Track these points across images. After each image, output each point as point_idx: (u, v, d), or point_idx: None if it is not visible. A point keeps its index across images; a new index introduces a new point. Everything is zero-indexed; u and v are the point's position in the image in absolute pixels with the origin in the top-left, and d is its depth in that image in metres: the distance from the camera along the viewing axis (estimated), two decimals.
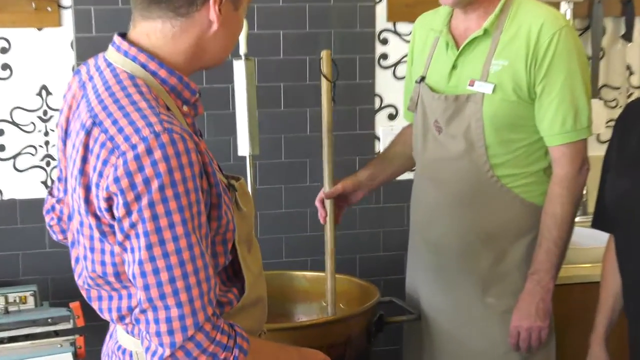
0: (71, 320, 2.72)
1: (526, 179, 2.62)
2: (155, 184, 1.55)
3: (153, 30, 1.70)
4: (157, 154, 1.56)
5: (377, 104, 3.33)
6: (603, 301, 2.47)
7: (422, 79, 2.71)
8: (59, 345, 2.69)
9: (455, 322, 2.71)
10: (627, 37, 3.48)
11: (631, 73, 3.55)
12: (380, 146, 3.31)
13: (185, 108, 1.75)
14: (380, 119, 3.34)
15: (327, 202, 2.78)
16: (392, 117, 3.32)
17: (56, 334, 2.73)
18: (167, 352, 1.58)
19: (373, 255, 3.33)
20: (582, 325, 2.65)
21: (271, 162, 3.20)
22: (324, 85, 2.74)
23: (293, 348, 1.93)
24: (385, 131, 3.30)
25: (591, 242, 3.20)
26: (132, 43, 1.71)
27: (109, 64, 1.71)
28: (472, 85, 2.57)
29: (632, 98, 3.54)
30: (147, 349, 1.60)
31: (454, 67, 2.61)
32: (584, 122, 2.54)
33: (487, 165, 2.59)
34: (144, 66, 1.69)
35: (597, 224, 2.47)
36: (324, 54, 2.74)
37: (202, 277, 1.59)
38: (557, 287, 2.63)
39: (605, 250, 2.46)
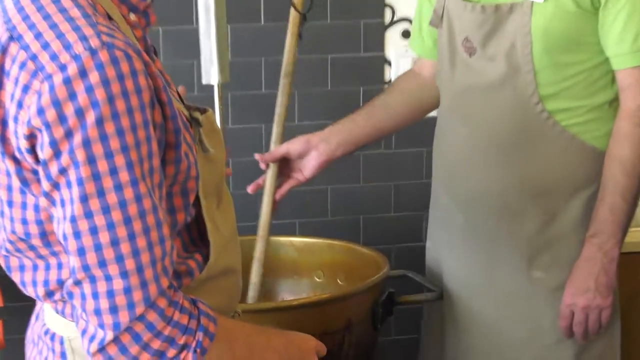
0: None
1: (586, 114, 2.63)
2: (91, 117, 1.54)
3: None
4: (94, 77, 1.54)
5: (387, 18, 3.37)
6: None
7: None
8: None
9: (491, 303, 2.74)
10: None
11: None
12: (392, 73, 3.33)
13: (132, 17, 1.74)
14: (392, 36, 3.39)
15: (269, 170, 2.81)
16: (406, 34, 3.35)
17: None
18: (110, 335, 1.57)
19: (381, 217, 3.35)
20: None
21: (247, 94, 3.19)
22: (292, 16, 2.78)
23: (276, 332, 1.90)
24: (399, 53, 3.34)
25: None
26: None
27: None
28: None
29: None
30: (84, 332, 1.59)
31: None
32: None
33: (535, 97, 2.60)
34: None
35: None
36: None
37: (155, 239, 1.59)
38: (623, 255, 2.63)
39: None
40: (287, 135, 2.88)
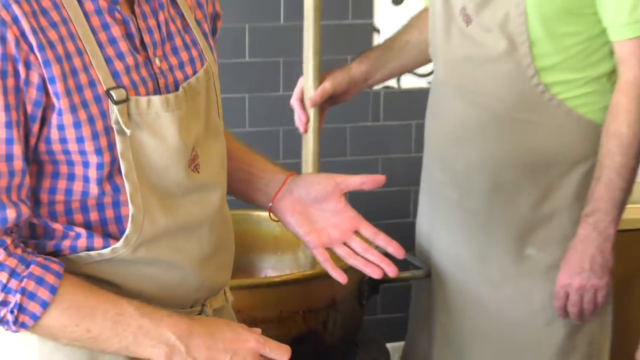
0: None
1: (583, 87, 2.62)
2: None
3: None
4: None
5: None
6: None
7: None
8: None
9: (483, 282, 2.75)
10: None
11: None
12: (381, 40, 3.30)
13: None
14: (381, 3, 3.35)
15: (311, 113, 2.78)
16: (396, 1, 3.34)
17: None
18: None
19: (368, 192, 3.27)
20: None
21: (229, 63, 3.13)
22: None
23: (173, 316, 1.82)
24: (388, 20, 3.31)
25: None
26: None
27: None
28: None
29: None
30: None
31: None
32: None
33: (531, 69, 2.59)
34: None
35: None
36: None
37: None
38: (619, 233, 2.63)
39: None
40: (270, 105, 2.89)
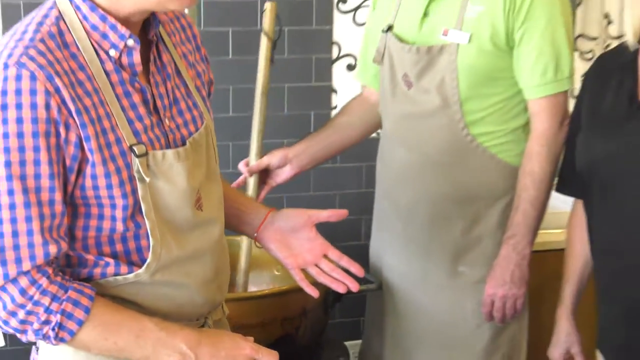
0: None
1: (504, 137, 2.67)
2: None
3: None
4: None
5: (334, 53, 3.37)
6: (571, 271, 2.53)
7: (390, 28, 2.72)
8: None
9: (423, 292, 2.77)
10: None
11: (609, 22, 3.62)
12: (338, 100, 3.36)
13: (113, 52, 1.76)
14: (338, 69, 3.39)
15: (250, 179, 2.84)
16: (351, 67, 3.38)
17: None
18: None
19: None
20: (556, 295, 2.63)
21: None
22: (264, 43, 2.79)
23: (184, 329, 1.84)
24: (343, 82, 3.35)
25: (566, 206, 3.00)
26: None
27: None
28: (446, 35, 2.59)
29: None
30: None
31: (425, 14, 2.63)
32: (565, 72, 2.58)
33: (462, 123, 2.63)
34: (71, 1, 1.75)
35: (563, 188, 2.52)
36: (268, 5, 2.79)
37: (21, 229, 1.63)
38: (533, 253, 2.69)
39: (570, 217, 2.53)
40: (246, 152, 2.96)
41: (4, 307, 1.66)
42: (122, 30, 1.75)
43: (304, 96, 3.32)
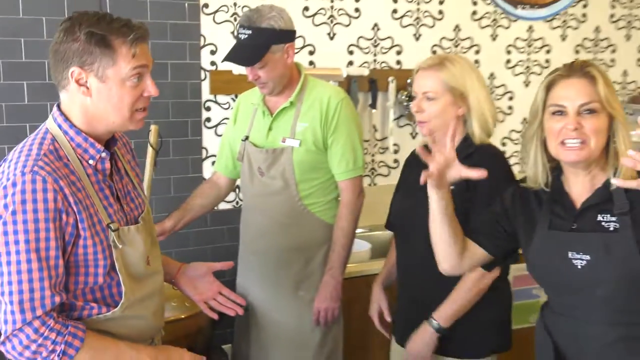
0: None
1: (324, 205, 2.74)
2: (10, 209, 1.59)
3: (62, 99, 1.76)
4: (18, 188, 1.59)
5: (204, 154, 3.35)
6: (387, 264, 2.65)
7: (247, 137, 2.77)
8: None
9: (276, 310, 2.78)
10: (373, 105, 3.68)
11: (376, 130, 3.78)
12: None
13: (91, 161, 1.75)
14: (206, 165, 3.36)
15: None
16: (214, 163, 3.21)
17: None
18: (2, 338, 1.64)
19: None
20: (360, 308, 2.81)
21: None
22: (150, 153, 2.74)
23: (150, 348, 1.82)
24: (210, 173, 3.25)
25: (358, 247, 3.29)
26: (59, 107, 1.76)
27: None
28: (284, 142, 2.67)
29: (376, 148, 3.76)
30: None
31: (270, 128, 2.71)
32: (359, 164, 2.68)
33: (297, 197, 2.69)
34: (59, 126, 1.74)
35: (387, 226, 2.59)
36: (152, 128, 2.77)
37: (36, 286, 1.60)
38: (345, 280, 2.76)
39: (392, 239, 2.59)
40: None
41: (20, 342, 1.63)
42: (98, 146, 1.76)
43: (184, 183, 3.29)
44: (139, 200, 1.92)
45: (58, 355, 1.64)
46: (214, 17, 3.29)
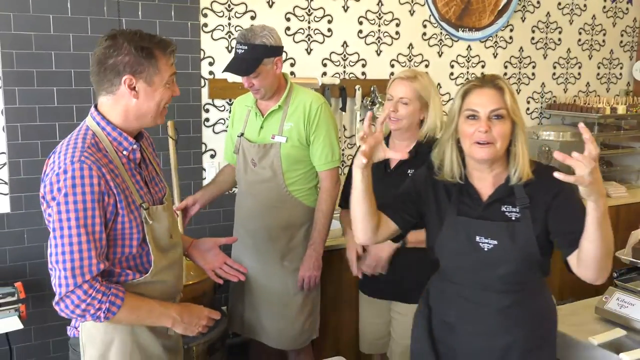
0: (16, 294, 2.61)
1: (306, 192, 2.70)
2: (62, 192, 1.60)
3: (102, 102, 1.75)
4: (69, 174, 1.60)
5: (203, 149, 3.28)
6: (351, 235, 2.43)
7: (242, 134, 2.72)
8: (8, 312, 2.58)
9: (265, 277, 2.74)
10: (343, 109, 3.61)
11: (345, 129, 3.66)
12: (206, 174, 3.28)
13: (125, 152, 1.75)
14: (205, 157, 3.29)
15: (179, 212, 2.74)
16: (212, 156, 3.32)
17: (6, 304, 2.60)
18: (56, 298, 1.63)
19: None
20: (335, 275, 2.83)
21: None
22: (171, 144, 2.83)
23: (176, 305, 1.84)
24: (208, 165, 3.29)
25: (332, 226, 3.10)
26: (96, 108, 1.76)
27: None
28: (274, 138, 2.62)
29: (346, 144, 3.66)
30: (55, 292, 1.66)
31: (261, 127, 2.66)
32: (336, 157, 2.65)
33: (284, 184, 2.65)
34: (98, 123, 1.74)
35: (341, 204, 2.61)
36: (169, 123, 2.82)
37: (85, 255, 1.61)
38: (325, 252, 2.72)
39: (342, 214, 2.64)
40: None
41: (72, 302, 1.64)
42: (130, 139, 1.76)
43: (187, 173, 3.22)
44: (162, 184, 1.92)
45: (104, 312, 1.65)
46: (212, 34, 3.23)
